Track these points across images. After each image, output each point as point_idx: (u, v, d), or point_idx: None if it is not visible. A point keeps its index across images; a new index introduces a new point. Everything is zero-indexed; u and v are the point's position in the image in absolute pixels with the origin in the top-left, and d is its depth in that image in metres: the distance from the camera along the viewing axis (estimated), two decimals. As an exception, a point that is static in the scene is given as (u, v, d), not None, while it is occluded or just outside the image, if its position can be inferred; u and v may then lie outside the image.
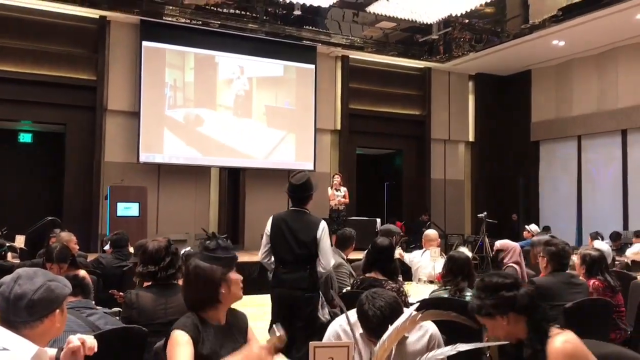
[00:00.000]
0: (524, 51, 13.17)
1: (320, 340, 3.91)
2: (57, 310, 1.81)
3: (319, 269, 4.16)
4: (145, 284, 3.35)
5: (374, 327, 2.31)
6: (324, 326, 4.07)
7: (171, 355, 2.16)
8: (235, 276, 2.32)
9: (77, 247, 5.48)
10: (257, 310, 4.15)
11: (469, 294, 3.85)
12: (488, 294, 2.19)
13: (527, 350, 2.16)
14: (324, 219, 4.52)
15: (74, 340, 1.86)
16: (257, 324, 4.46)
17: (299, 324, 4.12)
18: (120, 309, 3.55)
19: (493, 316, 2.18)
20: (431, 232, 6.07)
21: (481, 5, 10.37)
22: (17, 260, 6.62)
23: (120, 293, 3.96)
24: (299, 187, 4.31)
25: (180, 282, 3.43)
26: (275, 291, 4.24)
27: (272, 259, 4.32)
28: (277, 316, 4.15)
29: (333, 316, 4.21)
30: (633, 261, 8.11)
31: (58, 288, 1.81)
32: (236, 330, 2.35)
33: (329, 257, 4.17)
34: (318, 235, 4.15)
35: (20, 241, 7.42)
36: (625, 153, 12.84)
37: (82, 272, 3.97)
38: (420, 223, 13.33)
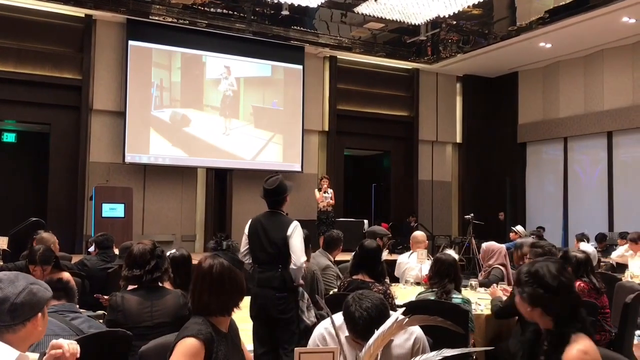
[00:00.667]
0: (511, 53, 13.24)
1: (306, 343, 3.93)
2: (39, 314, 1.79)
3: (291, 265, 4.20)
4: (131, 286, 3.32)
5: (360, 328, 2.30)
6: (310, 329, 4.07)
7: None
8: None
9: (58, 249, 5.41)
10: (243, 313, 4.12)
11: (455, 296, 3.85)
12: (530, 281, 2.13)
13: (543, 344, 2.14)
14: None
15: (62, 344, 1.83)
16: (244, 325, 4.47)
17: (277, 326, 4.18)
18: (105, 312, 3.51)
19: (523, 298, 2.16)
20: (419, 234, 6.08)
21: (469, 7, 10.40)
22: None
23: (105, 297, 3.91)
24: (272, 192, 4.41)
25: (167, 285, 3.40)
26: (252, 290, 4.30)
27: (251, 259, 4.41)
28: (253, 316, 4.25)
29: (320, 318, 4.19)
30: (618, 263, 8.18)
31: (40, 291, 1.79)
32: (236, 339, 2.32)
33: (298, 254, 4.20)
34: (288, 234, 4.23)
35: (2, 242, 7.32)
36: (610, 155, 12.95)
37: (66, 275, 3.92)
38: (408, 224, 13.36)
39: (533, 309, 2.12)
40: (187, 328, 2.12)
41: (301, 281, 4.33)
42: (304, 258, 4.27)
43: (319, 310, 4.42)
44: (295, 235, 4.24)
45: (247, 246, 4.42)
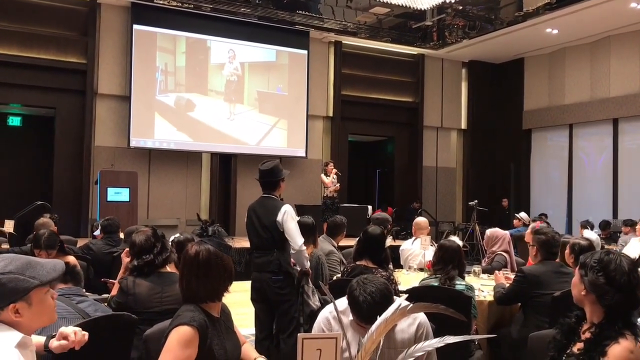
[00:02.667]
0: (518, 39, 13.15)
1: (311, 327, 3.96)
2: (14, 305, 1.73)
3: (290, 250, 4.28)
4: (125, 260, 3.38)
5: (364, 313, 2.32)
6: (315, 313, 4.10)
7: (172, 351, 2.02)
8: None
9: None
10: (241, 296, 4.23)
11: (459, 283, 3.87)
12: (597, 267, 2.09)
13: (585, 333, 2.13)
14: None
15: (69, 333, 1.82)
16: (242, 309, 4.52)
17: (275, 310, 4.28)
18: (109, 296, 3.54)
19: (583, 280, 2.13)
20: (421, 220, 6.08)
21: (475, -8, 10.34)
22: (6, 246, 6.59)
23: (111, 280, 3.94)
24: (267, 172, 4.47)
25: (172, 268, 3.43)
26: (252, 275, 4.42)
27: None
28: (252, 299, 4.38)
29: (324, 303, 4.22)
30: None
31: (13, 282, 1.68)
32: (228, 322, 2.32)
33: (296, 238, 4.24)
34: (279, 219, 4.25)
35: (9, 226, 7.37)
36: (616, 142, 12.90)
37: (72, 259, 3.96)
38: (412, 210, 13.37)
39: (588, 294, 2.09)
40: (180, 316, 2.12)
41: (307, 266, 4.36)
42: (301, 240, 4.30)
43: (322, 295, 4.44)
44: (288, 220, 4.28)
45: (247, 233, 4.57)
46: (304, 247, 4.34)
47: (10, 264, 1.73)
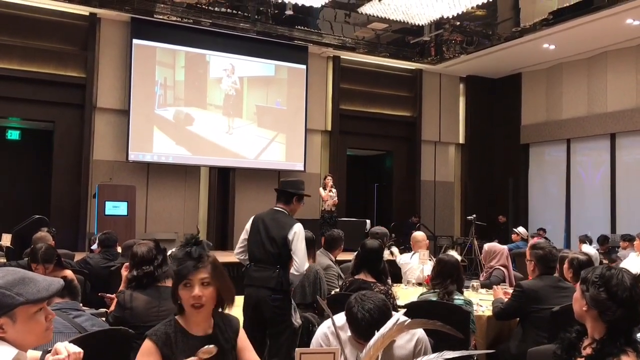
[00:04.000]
0: (515, 54, 13.23)
1: (293, 345, 3.93)
2: (3, 319, 1.68)
3: (292, 270, 4.10)
4: (125, 274, 3.37)
5: (362, 329, 2.31)
6: (295, 331, 4.08)
7: None
8: (182, 292, 2.15)
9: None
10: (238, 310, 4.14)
11: (457, 297, 3.86)
12: (599, 282, 2.08)
13: (586, 348, 2.12)
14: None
15: (62, 350, 1.80)
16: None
17: (269, 329, 4.08)
18: (107, 311, 3.53)
19: (584, 295, 2.12)
20: (419, 234, 6.08)
21: (472, 7, 10.39)
22: (3, 260, 6.57)
23: (108, 295, 3.93)
24: (287, 183, 4.44)
25: (169, 283, 3.42)
26: (245, 289, 4.20)
27: (247, 255, 4.32)
28: (246, 315, 4.12)
29: (303, 321, 4.20)
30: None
31: (4, 296, 1.67)
32: (223, 338, 2.23)
33: (302, 260, 4.10)
34: (290, 236, 4.09)
35: (6, 240, 7.35)
36: (613, 157, 12.93)
37: (69, 273, 3.96)
38: (410, 225, 13.36)
39: (589, 309, 2.08)
40: (153, 327, 2.15)
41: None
42: (307, 265, 4.19)
43: (318, 312, 4.43)
44: (299, 239, 4.11)
45: (245, 242, 4.32)
46: (305, 270, 4.21)
47: (1, 278, 1.70)
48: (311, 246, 4.85)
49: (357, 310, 2.35)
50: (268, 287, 4.06)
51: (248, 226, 4.34)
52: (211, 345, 2.03)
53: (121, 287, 3.61)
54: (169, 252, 3.87)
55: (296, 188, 4.35)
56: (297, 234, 4.11)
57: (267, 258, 4.14)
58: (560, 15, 11.16)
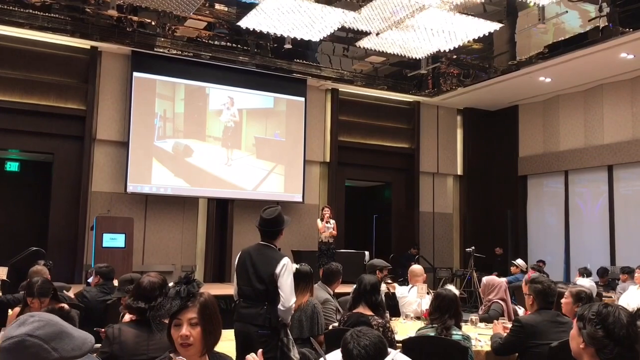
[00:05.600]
0: (512, 87, 13.36)
1: None
2: None
3: (279, 306, 4.07)
4: (129, 316, 3.30)
5: None
6: None
7: None
8: (172, 331, 2.17)
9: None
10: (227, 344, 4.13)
11: (455, 332, 3.83)
12: (596, 320, 2.07)
13: None
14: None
15: None
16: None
17: None
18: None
19: (581, 333, 2.11)
20: (417, 268, 6.06)
21: (469, 41, 10.53)
22: (-1, 293, 6.52)
23: (103, 330, 3.90)
24: (270, 222, 4.29)
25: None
26: (234, 325, 4.20)
27: None
28: (237, 351, 4.10)
29: (302, 356, 4.16)
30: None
31: (35, 347, 1.61)
32: None
33: (288, 295, 4.06)
34: (277, 271, 4.07)
35: (2, 273, 7.30)
36: (611, 188, 12.96)
37: (66, 307, 3.92)
38: (409, 256, 13.31)
39: (586, 347, 2.07)
40: None
41: (288, 321, 4.23)
42: (294, 299, 4.15)
43: (303, 348, 4.39)
44: (285, 274, 4.08)
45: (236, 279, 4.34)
46: (293, 305, 4.18)
47: (41, 328, 1.65)
48: (309, 280, 4.83)
49: (353, 346, 2.33)
50: (255, 323, 4.06)
51: (236, 262, 4.33)
52: None
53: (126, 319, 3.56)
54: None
55: (280, 224, 4.31)
56: (285, 267, 4.10)
57: (255, 295, 4.14)
58: (555, 49, 11.31)
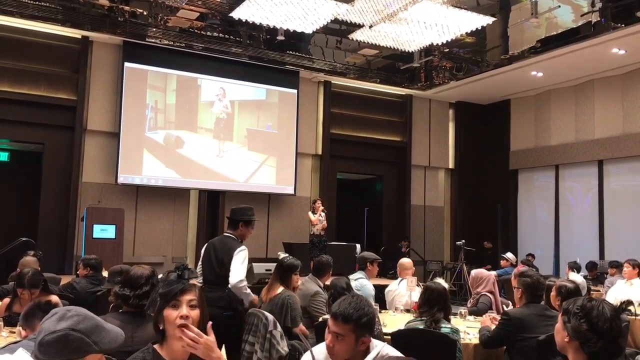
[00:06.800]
0: (504, 81, 13.40)
1: None
2: None
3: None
4: (124, 309, 3.31)
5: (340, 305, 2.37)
6: (283, 359, 4.09)
7: None
8: (169, 313, 2.15)
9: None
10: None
11: (444, 326, 3.86)
12: (580, 314, 2.10)
13: None
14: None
15: None
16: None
17: (226, 345, 4.28)
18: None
19: (566, 327, 2.14)
20: (406, 261, 6.09)
21: (462, 35, 10.53)
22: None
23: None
24: (233, 211, 4.84)
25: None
26: None
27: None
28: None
29: (291, 349, 4.19)
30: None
31: (78, 341, 1.67)
32: None
33: (234, 274, 4.45)
34: (233, 255, 4.52)
35: (-9, 263, 7.27)
36: (601, 183, 13.04)
37: (55, 298, 3.92)
38: (400, 249, 13.37)
39: (571, 341, 2.10)
40: (131, 355, 2.14)
41: (250, 299, 4.57)
42: (239, 277, 4.47)
43: (292, 339, 4.40)
44: (236, 257, 4.50)
45: (201, 267, 4.78)
46: (242, 284, 4.48)
47: (81, 322, 1.70)
48: (282, 271, 4.86)
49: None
50: (218, 305, 4.37)
51: (203, 251, 4.82)
52: None
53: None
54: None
55: (242, 215, 4.79)
56: (239, 252, 4.54)
57: (217, 280, 4.55)
58: (547, 44, 11.33)
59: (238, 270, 4.47)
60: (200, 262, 4.83)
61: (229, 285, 4.45)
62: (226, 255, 4.55)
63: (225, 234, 4.85)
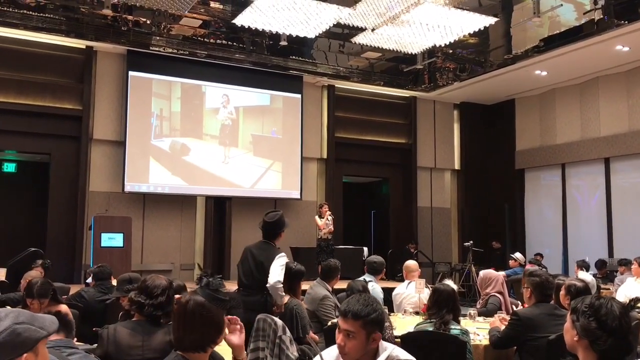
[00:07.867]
0: (508, 81, 13.36)
1: None
2: (26, 355, 1.73)
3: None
4: (136, 318, 3.32)
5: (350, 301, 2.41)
6: None
7: None
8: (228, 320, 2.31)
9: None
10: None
11: (454, 327, 3.85)
12: (589, 312, 2.08)
13: None
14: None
15: None
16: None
17: None
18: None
19: (575, 326, 2.13)
20: (411, 263, 6.07)
21: (464, 36, 10.52)
22: (-3, 294, 6.51)
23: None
24: (271, 224, 4.94)
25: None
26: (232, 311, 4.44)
27: None
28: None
29: (300, 354, 4.18)
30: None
31: (27, 331, 1.71)
32: None
33: (274, 274, 4.64)
34: (274, 260, 4.71)
35: (0, 274, 7.30)
36: (608, 180, 12.98)
37: (64, 308, 3.91)
38: (408, 252, 13.33)
39: (580, 340, 2.09)
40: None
41: (279, 302, 4.64)
42: (277, 279, 4.61)
43: (301, 344, 4.40)
44: (276, 261, 4.67)
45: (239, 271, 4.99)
46: (279, 285, 4.62)
47: (20, 315, 1.72)
48: (298, 279, 4.88)
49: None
50: (256, 310, 4.43)
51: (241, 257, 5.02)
52: None
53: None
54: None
55: (280, 227, 4.99)
56: (279, 258, 4.73)
57: (255, 284, 4.71)
58: (551, 42, 11.31)
59: (277, 273, 4.66)
60: (237, 266, 5.06)
61: (268, 285, 4.61)
62: (267, 260, 4.74)
63: (263, 240, 5.02)
